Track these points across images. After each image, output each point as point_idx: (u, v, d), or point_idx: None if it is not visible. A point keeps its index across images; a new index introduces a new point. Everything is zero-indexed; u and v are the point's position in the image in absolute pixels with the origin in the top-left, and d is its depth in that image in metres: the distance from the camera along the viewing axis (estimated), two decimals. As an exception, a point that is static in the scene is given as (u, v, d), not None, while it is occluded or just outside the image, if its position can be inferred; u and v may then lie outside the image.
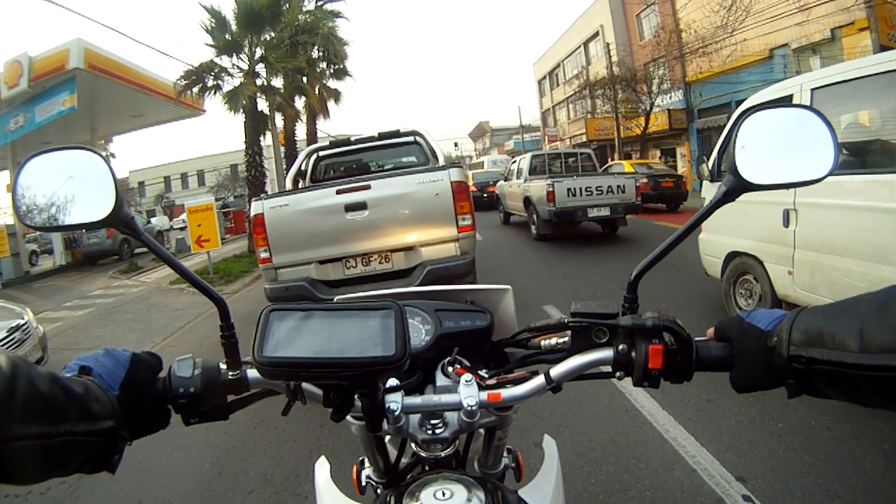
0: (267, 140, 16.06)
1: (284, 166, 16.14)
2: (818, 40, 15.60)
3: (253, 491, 2.89)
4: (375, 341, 0.62)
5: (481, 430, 0.91)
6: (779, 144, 0.73)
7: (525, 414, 3.22)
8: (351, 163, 7.24)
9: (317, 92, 17.51)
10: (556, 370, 0.77)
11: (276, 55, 13.58)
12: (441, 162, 6.01)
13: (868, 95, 3.33)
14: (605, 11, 27.59)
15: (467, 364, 0.88)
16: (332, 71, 19.06)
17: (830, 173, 0.71)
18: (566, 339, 0.83)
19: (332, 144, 7.04)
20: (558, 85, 36.58)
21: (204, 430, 3.47)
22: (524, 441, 2.81)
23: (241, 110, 13.36)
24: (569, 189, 9.89)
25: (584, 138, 29.26)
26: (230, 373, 0.75)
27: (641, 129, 23.23)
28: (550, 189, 9.88)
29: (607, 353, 0.74)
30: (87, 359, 0.67)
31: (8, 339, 4.50)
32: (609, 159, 24.36)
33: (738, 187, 0.70)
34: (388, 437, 0.95)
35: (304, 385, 0.73)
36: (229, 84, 13.62)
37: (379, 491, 0.97)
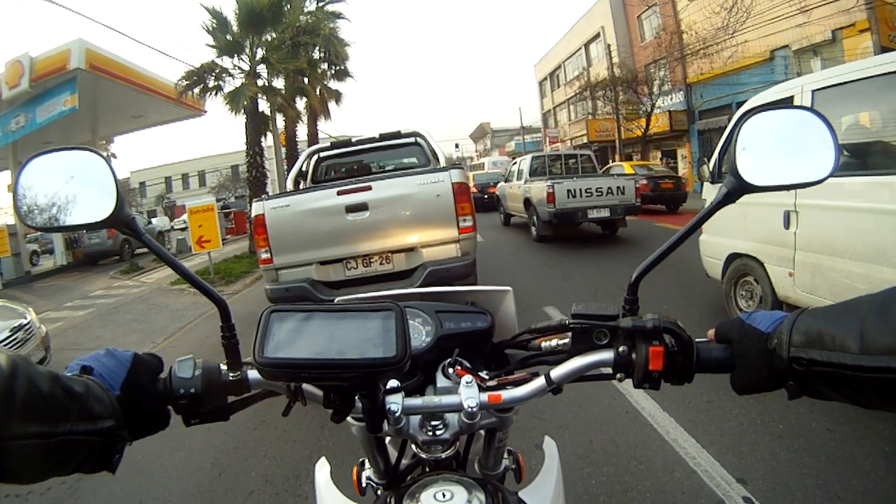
0: (268, 141, 16.08)
1: (285, 167, 16.16)
2: (819, 42, 15.60)
3: (253, 492, 2.89)
4: (376, 342, 0.62)
5: (482, 432, 0.91)
6: (779, 146, 0.73)
7: (525, 415, 3.22)
8: (352, 164, 7.24)
9: (318, 93, 17.53)
10: (557, 372, 0.77)
11: (277, 56, 13.59)
12: (442, 163, 6.01)
13: (869, 97, 3.33)
14: (606, 13, 27.59)
15: (468, 365, 0.88)
16: (333, 72, 19.08)
17: (831, 175, 0.71)
18: (567, 340, 0.83)
19: (334, 145, 7.04)
20: (559, 86, 36.59)
21: (204, 431, 3.47)
22: (525, 442, 2.81)
23: (242, 111, 13.37)
24: (569, 190, 9.92)
25: (584, 139, 29.28)
26: (231, 374, 0.75)
27: (642, 130, 23.23)
28: (550, 190, 9.90)
29: (608, 354, 0.74)
30: (89, 359, 0.67)
31: (11, 339, 4.51)
32: (610, 160, 24.35)
33: (739, 189, 0.70)
34: (388, 439, 0.95)
35: (305, 386, 0.73)
36: (230, 85, 13.67)
37: (379, 492, 0.97)
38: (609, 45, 25.77)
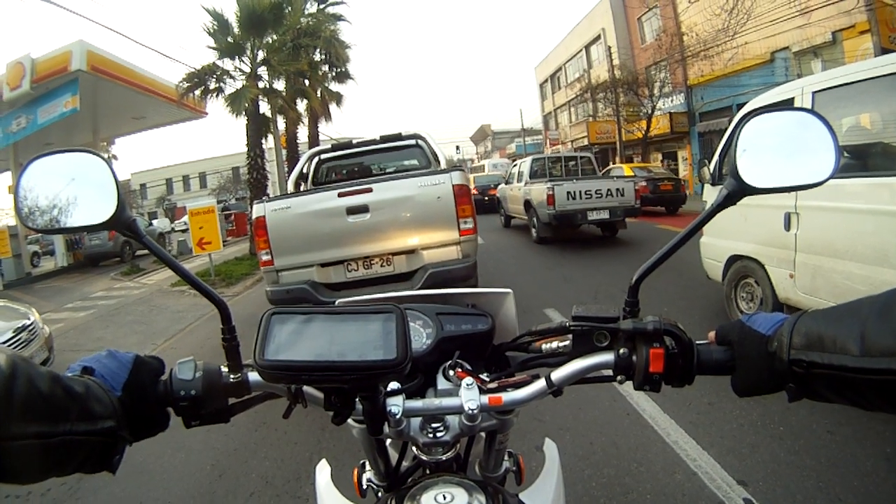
0: (269, 143, 16.09)
1: (286, 169, 16.18)
2: (819, 43, 15.61)
3: (254, 493, 2.89)
4: (377, 345, 0.62)
5: (482, 434, 0.91)
6: (780, 148, 0.73)
7: (526, 417, 3.22)
8: (353, 166, 7.25)
9: (319, 95, 17.55)
10: (558, 374, 0.77)
11: (278, 58, 13.60)
12: (443, 165, 6.01)
13: (869, 98, 3.33)
14: (607, 15, 27.62)
15: (468, 367, 0.88)
16: (333, 74, 19.13)
17: (831, 177, 0.71)
18: (567, 342, 0.83)
19: (334, 147, 7.05)
20: (560, 88, 36.62)
21: (205, 432, 3.47)
22: (525, 444, 2.80)
23: (243, 113, 13.39)
24: (568, 192, 9.94)
25: (585, 141, 29.31)
26: (231, 376, 0.75)
27: (643, 132, 23.24)
28: (550, 192, 9.92)
29: (608, 356, 0.74)
30: (90, 360, 0.68)
31: (15, 340, 4.52)
32: (611, 162, 24.35)
33: (740, 191, 0.70)
34: (388, 441, 0.95)
35: (306, 388, 0.73)
36: (231, 87, 13.67)
37: (380, 494, 0.97)
38: (610, 47, 25.78)
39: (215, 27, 13.26)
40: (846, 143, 3.44)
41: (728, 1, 15.68)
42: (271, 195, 12.15)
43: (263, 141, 14.80)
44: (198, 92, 13.64)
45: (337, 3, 17.98)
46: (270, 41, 13.95)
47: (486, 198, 18.86)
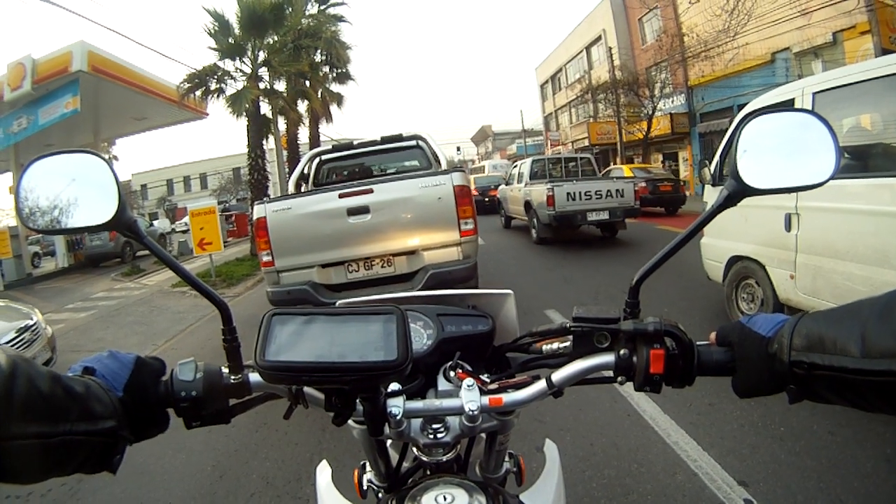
0: (269, 143, 16.09)
1: (287, 170, 16.20)
2: (820, 44, 15.61)
3: (254, 494, 2.89)
4: (377, 346, 0.62)
5: (483, 435, 0.91)
6: (780, 149, 0.73)
7: (526, 418, 3.21)
8: (353, 167, 7.25)
9: (319, 96, 17.57)
10: (558, 375, 0.77)
11: (278, 59, 13.61)
12: (443, 166, 6.00)
13: (870, 99, 3.32)
14: (608, 15, 27.62)
15: (469, 368, 0.88)
16: (334, 75, 19.16)
17: (832, 177, 0.71)
18: (568, 343, 0.83)
19: (335, 148, 7.05)
20: (560, 89, 36.63)
21: (205, 433, 3.47)
22: (525, 445, 2.80)
23: (244, 114, 13.40)
24: (568, 193, 9.97)
25: (586, 142, 29.30)
26: (232, 376, 0.75)
27: (644, 133, 23.24)
28: (550, 193, 9.95)
29: (609, 357, 0.75)
30: (92, 360, 0.68)
31: (18, 340, 4.51)
32: (612, 163, 24.36)
33: (740, 192, 0.70)
34: (389, 442, 0.95)
35: (306, 389, 0.73)
36: (232, 87, 13.67)
37: (380, 495, 0.97)
38: (610, 48, 25.80)
39: (216, 28, 13.26)
40: (847, 144, 3.44)
41: (728, 1, 15.69)
42: (272, 196, 12.17)
43: (264, 142, 14.81)
44: (199, 93, 13.65)
45: (338, 4, 18.02)
46: (271, 42, 13.95)
47: (487, 199, 18.90)
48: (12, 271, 15.52)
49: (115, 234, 15.80)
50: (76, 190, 0.69)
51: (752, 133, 0.72)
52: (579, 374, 0.76)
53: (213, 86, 13.66)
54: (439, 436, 0.79)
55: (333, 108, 19.72)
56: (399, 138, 6.57)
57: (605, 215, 10.10)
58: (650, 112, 22.80)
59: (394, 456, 0.97)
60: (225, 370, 0.75)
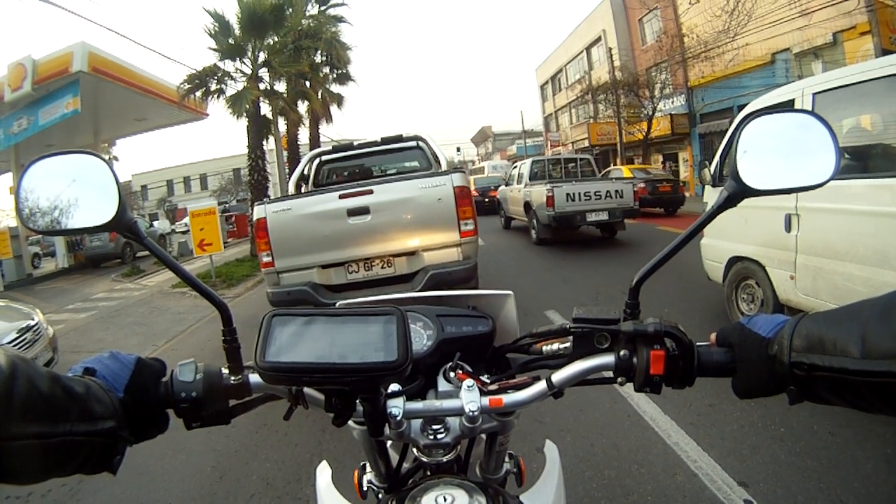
0: (270, 144, 16.09)
1: (287, 170, 16.20)
2: (820, 44, 15.61)
3: (254, 495, 2.88)
4: (377, 347, 0.62)
5: (483, 436, 0.91)
6: (780, 149, 0.73)
7: (527, 419, 3.21)
8: (353, 167, 7.25)
9: (320, 96, 17.56)
10: (558, 375, 0.77)
11: (279, 60, 13.61)
12: (443, 167, 6.00)
13: (870, 99, 3.32)
14: (608, 16, 27.63)
15: (469, 369, 0.88)
16: (334, 75, 19.15)
17: (832, 178, 0.71)
18: (568, 344, 0.83)
19: (335, 149, 7.04)
20: (560, 90, 36.64)
21: (205, 434, 3.47)
22: (526, 446, 2.80)
23: (244, 114, 13.40)
24: (568, 194, 9.99)
25: (586, 143, 29.32)
26: (232, 377, 0.75)
27: (644, 133, 23.25)
28: (550, 194, 9.97)
29: (609, 358, 0.75)
30: (92, 361, 0.68)
31: (20, 340, 4.50)
32: (612, 164, 24.37)
33: (740, 193, 0.70)
34: (389, 442, 0.95)
35: (306, 390, 0.73)
36: (232, 88, 13.67)
37: (380, 496, 0.97)
38: (610, 49, 25.80)
39: (216, 29, 13.27)
40: (846, 145, 3.44)
41: (728, 2, 15.70)
42: (272, 197, 12.18)
43: (264, 142, 14.82)
44: (199, 93, 13.65)
45: (338, 5, 18.03)
46: (271, 43, 13.96)
47: (487, 199, 18.95)
48: (12, 272, 15.53)
49: (115, 235, 15.94)
50: (76, 191, 0.69)
51: (752, 134, 0.72)
52: (579, 375, 0.76)
53: (214, 86, 13.66)
54: (439, 436, 0.79)
55: (334, 108, 19.72)
56: (399, 139, 6.57)
57: (604, 216, 10.12)
58: (650, 113, 22.81)
59: (394, 457, 0.97)
60: (225, 371, 0.75)
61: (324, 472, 1.12)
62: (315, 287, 4.71)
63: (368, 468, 1.01)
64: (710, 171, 4.76)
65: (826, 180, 0.71)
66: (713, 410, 3.25)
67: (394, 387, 0.75)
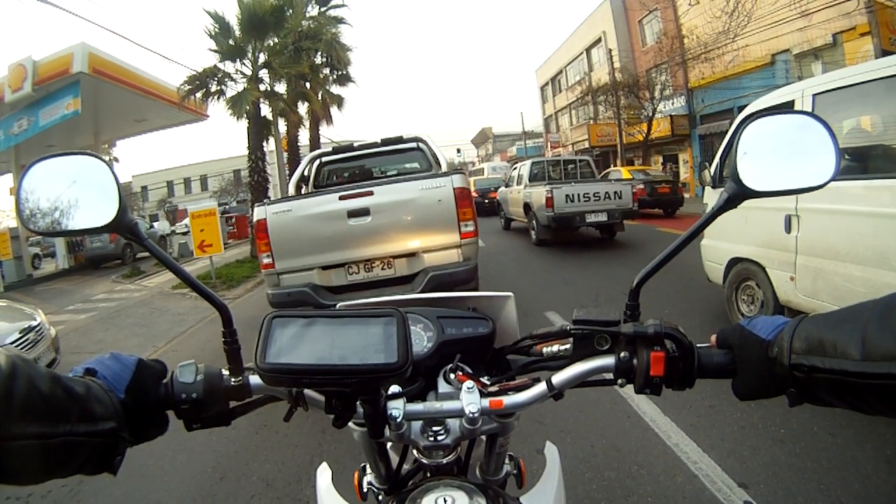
0: (270, 145, 16.10)
1: (287, 172, 16.20)
2: (820, 45, 15.63)
3: (255, 496, 2.88)
4: (377, 348, 0.62)
5: (483, 437, 0.91)
6: (780, 151, 0.73)
7: (527, 420, 3.21)
8: (354, 169, 7.25)
9: (320, 98, 17.56)
10: (558, 377, 0.77)
11: (279, 61, 13.62)
12: (444, 168, 5.99)
13: (870, 100, 3.32)
14: (608, 17, 27.65)
15: (469, 371, 0.88)
16: (335, 77, 19.15)
17: (832, 180, 0.71)
18: (568, 346, 0.83)
19: (335, 150, 7.04)
20: (561, 91, 36.65)
21: (206, 435, 3.47)
22: (526, 448, 2.80)
23: (245, 116, 13.42)
24: (567, 195, 10.02)
25: (586, 144, 29.33)
26: (232, 379, 0.75)
27: (644, 135, 23.25)
28: (549, 195, 10.00)
29: (609, 360, 0.75)
30: (94, 362, 0.68)
31: (22, 340, 4.50)
32: (612, 165, 24.38)
33: (740, 194, 0.70)
34: (389, 444, 0.95)
35: (307, 391, 0.73)
36: (233, 89, 13.68)
37: (381, 497, 0.97)
38: (610, 50, 25.80)
39: (217, 30, 13.28)
40: (846, 146, 3.43)
41: (728, 3, 15.71)
42: (272, 198, 12.19)
43: (265, 144, 14.83)
44: (199, 94, 13.66)
45: (338, 7, 18.02)
46: (272, 44, 13.97)
47: (487, 201, 18.99)
48: (12, 272, 15.54)
49: (115, 237, 15.95)
50: (77, 192, 0.69)
51: (752, 135, 0.72)
52: (580, 377, 0.76)
53: (214, 88, 13.67)
54: (439, 438, 0.79)
55: (334, 110, 19.72)
56: (399, 140, 6.57)
57: (603, 217, 10.16)
58: (650, 114, 22.82)
59: (394, 458, 0.97)
60: (225, 372, 0.76)
61: (324, 474, 1.12)
62: (315, 288, 4.71)
63: (368, 470, 1.01)
64: (710, 172, 4.76)
65: (826, 182, 0.71)
66: (713, 411, 3.25)
67: (394, 388, 0.75)
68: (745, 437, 2.95)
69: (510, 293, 1.01)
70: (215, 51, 13.47)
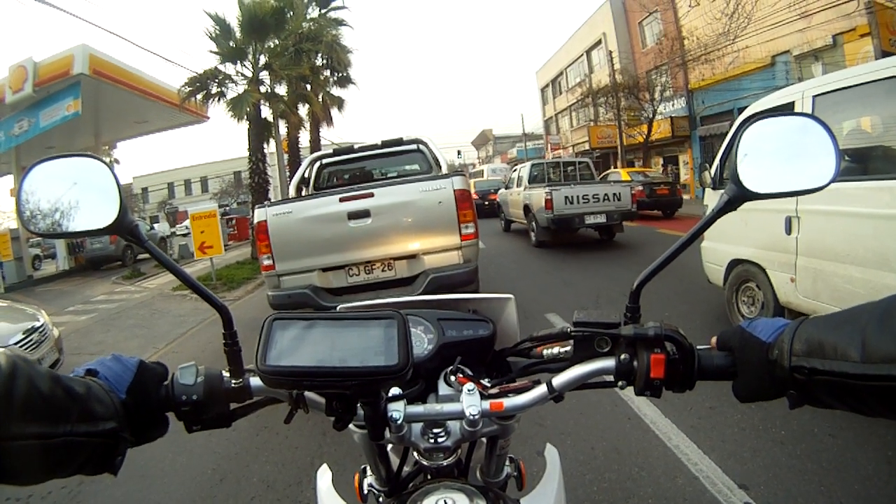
0: (270, 147, 16.09)
1: (288, 173, 16.23)
2: (820, 47, 15.64)
3: (255, 497, 2.88)
4: (378, 350, 0.62)
5: (483, 439, 0.91)
6: (780, 153, 0.73)
7: (527, 423, 3.21)
8: (354, 171, 7.26)
9: (320, 99, 17.57)
10: (559, 379, 0.77)
11: (279, 63, 13.62)
12: (444, 170, 5.99)
13: (870, 101, 3.32)
14: (608, 19, 27.67)
15: (469, 373, 0.88)
16: (335, 79, 19.17)
17: (832, 181, 0.71)
18: (568, 348, 0.83)
19: (336, 152, 7.05)
20: (561, 93, 36.66)
21: (206, 436, 3.47)
22: (526, 450, 2.80)
23: (245, 117, 13.41)
24: (566, 197, 10.06)
25: (587, 146, 29.34)
26: (233, 381, 0.75)
27: (644, 136, 23.26)
28: (549, 197, 10.04)
29: (609, 362, 0.75)
30: (95, 363, 0.68)
31: (26, 341, 4.49)
32: (612, 167, 24.38)
33: (740, 196, 0.70)
34: (390, 446, 0.95)
35: (307, 393, 0.73)
36: (233, 91, 13.67)
37: (381, 499, 0.97)
38: (611, 52, 25.81)
39: (217, 32, 13.27)
40: (847, 147, 3.43)
41: (728, 5, 15.73)
42: (273, 200, 12.19)
43: (265, 145, 14.83)
44: (200, 96, 13.66)
45: (339, 9, 18.07)
46: (272, 46, 13.96)
47: (487, 202, 19.05)
48: (13, 274, 15.54)
49: (115, 238, 15.95)
50: (77, 193, 0.69)
51: (752, 137, 0.72)
52: (580, 379, 0.76)
53: (214, 89, 13.66)
54: (440, 440, 0.79)
55: (334, 111, 19.74)
56: (400, 142, 6.58)
57: (602, 218, 10.20)
58: (650, 115, 22.84)
59: (394, 460, 0.97)
60: (226, 374, 0.76)
61: (324, 476, 1.12)
62: (315, 290, 4.71)
63: (369, 472, 1.01)
64: (710, 173, 4.76)
65: (826, 183, 0.71)
66: (713, 413, 3.25)
67: (394, 390, 0.75)
68: (746, 438, 2.95)
69: (510, 295, 1.01)
70: (216, 52, 13.46)
